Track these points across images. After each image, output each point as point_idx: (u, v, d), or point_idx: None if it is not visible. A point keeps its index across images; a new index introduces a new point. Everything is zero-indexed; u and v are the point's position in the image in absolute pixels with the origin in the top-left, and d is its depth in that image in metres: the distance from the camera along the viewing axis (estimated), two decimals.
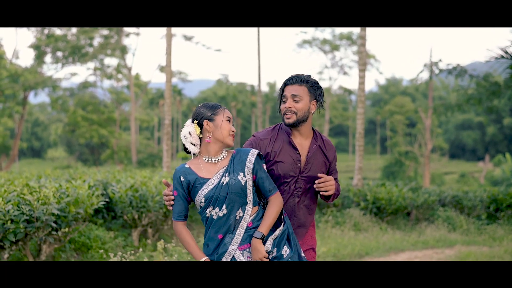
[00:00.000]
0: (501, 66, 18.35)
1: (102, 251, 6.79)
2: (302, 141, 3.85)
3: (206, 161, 3.54)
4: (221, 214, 3.45)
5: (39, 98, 69.52)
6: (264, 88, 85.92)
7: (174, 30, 48.63)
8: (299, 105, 3.76)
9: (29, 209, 6.20)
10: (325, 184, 3.70)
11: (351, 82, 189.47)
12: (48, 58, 43.15)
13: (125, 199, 8.80)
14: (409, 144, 62.06)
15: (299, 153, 3.80)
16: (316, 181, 3.72)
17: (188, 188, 3.50)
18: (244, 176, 3.47)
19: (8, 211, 6.02)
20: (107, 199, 8.89)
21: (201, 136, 3.56)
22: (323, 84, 66.50)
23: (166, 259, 7.21)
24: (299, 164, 3.80)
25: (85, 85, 49.07)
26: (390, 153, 65.57)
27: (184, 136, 3.57)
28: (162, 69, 47.84)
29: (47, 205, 6.36)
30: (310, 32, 60.21)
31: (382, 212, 11.97)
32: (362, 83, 13.29)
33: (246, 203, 3.47)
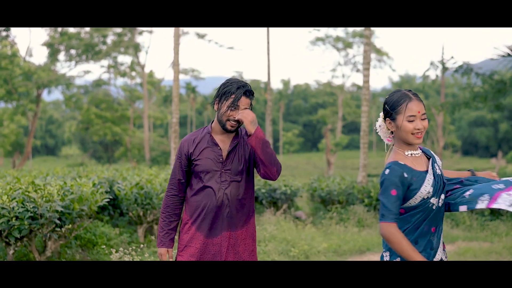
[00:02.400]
0: (509, 63, 18.40)
1: (104, 246, 6.97)
2: (225, 138, 4.08)
3: (410, 155, 3.33)
4: (440, 204, 3.31)
5: (53, 95, 70.20)
6: (278, 85, 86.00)
7: (187, 28, 48.87)
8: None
9: (33, 206, 6.39)
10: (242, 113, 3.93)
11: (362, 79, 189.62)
12: (61, 56, 43.52)
13: (130, 197, 8.99)
14: (423, 142, 61.96)
15: (220, 149, 4.04)
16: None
17: (409, 185, 3.24)
18: (439, 168, 3.38)
19: (13, 208, 6.22)
20: (111, 197, 9.08)
21: (390, 134, 3.42)
22: (337, 82, 66.59)
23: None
24: (221, 159, 4.02)
25: (98, 82, 49.45)
26: None
27: (376, 129, 3.53)
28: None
29: (51, 202, 6.54)
30: (323, 29, 60.17)
31: None
32: (366, 81, 13.41)
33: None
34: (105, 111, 49.03)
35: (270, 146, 4.01)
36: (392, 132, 3.36)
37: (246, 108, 3.97)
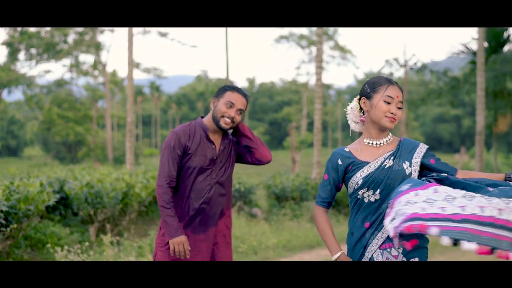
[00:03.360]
0: (462, 61, 18.91)
1: (49, 245, 6.98)
2: (216, 137, 4.18)
3: (367, 143, 3.27)
4: (373, 199, 3.17)
5: (14, 96, 69.17)
6: (244, 84, 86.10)
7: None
8: (239, 117, 4.14)
9: None
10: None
11: (328, 77, 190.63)
12: (21, 55, 42.97)
13: (80, 196, 8.99)
14: None
15: (215, 147, 4.13)
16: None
17: (344, 173, 3.24)
18: (410, 166, 3.17)
19: None
20: (61, 196, 9.08)
21: (361, 115, 3.33)
22: (301, 79, 66.98)
23: (115, 251, 7.43)
24: (214, 157, 4.11)
25: (59, 82, 48.92)
26: None
27: (346, 111, 3.41)
28: (137, 65, 47.87)
29: None
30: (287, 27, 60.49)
31: (339, 204, 12.28)
32: (319, 79, 13.60)
33: None
34: (67, 111, 48.54)
35: None
36: (363, 114, 3.29)
37: (241, 111, 4.10)
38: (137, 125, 71.07)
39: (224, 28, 21.60)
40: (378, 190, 3.14)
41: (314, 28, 59.74)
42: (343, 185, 3.34)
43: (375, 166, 3.16)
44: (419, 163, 3.19)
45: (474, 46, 20.99)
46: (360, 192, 3.18)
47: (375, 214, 3.16)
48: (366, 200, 3.18)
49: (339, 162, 3.22)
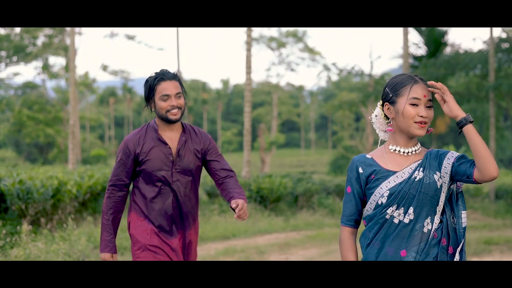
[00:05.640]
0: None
1: None
2: (172, 135, 3.98)
3: (393, 150, 2.84)
4: (406, 220, 2.70)
5: None
6: (218, 85, 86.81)
7: (117, 29, 49.24)
8: (181, 100, 3.92)
9: None
10: (244, 210, 3.78)
11: (298, 78, 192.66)
12: None
13: (13, 192, 9.83)
14: (351, 139, 63.67)
15: (169, 147, 3.93)
16: (236, 213, 3.78)
17: (366, 184, 2.81)
18: (441, 178, 2.75)
19: None
20: None
21: (388, 121, 2.89)
22: (272, 81, 67.92)
23: (31, 238, 8.27)
24: (171, 158, 3.92)
25: (28, 84, 49.40)
26: (338, 147, 67.20)
27: (371, 119, 2.99)
28: (105, 68, 48.56)
29: None
30: (257, 29, 61.48)
31: (265, 200, 13.21)
32: (248, 84, 14.51)
33: (435, 212, 2.74)
34: (37, 113, 49.04)
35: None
36: (389, 120, 2.87)
37: (179, 94, 3.89)
38: (110, 127, 71.61)
39: (176, 28, 22.44)
40: (412, 208, 2.70)
41: (284, 31, 60.86)
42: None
43: (402, 177, 2.74)
44: (449, 172, 2.75)
45: (414, 50, 22.19)
46: (389, 211, 2.72)
47: (410, 238, 2.70)
48: (396, 221, 2.72)
49: (360, 170, 2.80)
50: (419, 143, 2.86)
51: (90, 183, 11.99)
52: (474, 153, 2.68)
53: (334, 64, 19.54)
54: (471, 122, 2.72)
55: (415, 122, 2.71)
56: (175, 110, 3.87)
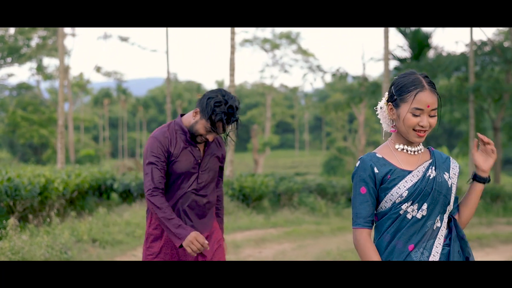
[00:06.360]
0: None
1: None
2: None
3: (401, 150, 2.82)
4: (419, 215, 2.71)
5: None
6: (213, 86, 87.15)
7: (110, 31, 49.71)
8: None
9: None
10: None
11: (291, 79, 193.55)
12: None
13: (1, 189, 10.27)
14: (344, 140, 64.10)
15: (199, 149, 3.89)
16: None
17: (380, 184, 2.76)
18: (450, 178, 2.80)
19: None
20: None
21: (391, 119, 2.85)
22: (266, 82, 68.42)
23: (17, 232, 8.70)
24: (199, 160, 3.89)
25: (22, 85, 49.78)
26: (331, 148, 67.63)
27: (376, 110, 2.95)
28: (98, 69, 48.97)
29: None
30: (251, 31, 61.94)
31: (247, 198, 13.67)
32: (232, 86, 14.95)
33: (445, 211, 2.78)
34: (32, 114, 49.41)
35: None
36: (393, 121, 2.83)
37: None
38: (104, 128, 71.97)
39: (166, 29, 22.85)
40: (425, 204, 2.71)
41: (277, 32, 61.33)
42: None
43: (418, 176, 2.74)
44: (457, 175, 2.84)
45: (399, 53, 22.70)
46: (404, 207, 2.72)
47: (419, 233, 2.72)
48: (409, 217, 2.72)
49: (376, 170, 2.75)
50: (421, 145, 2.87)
51: (77, 181, 12.45)
52: (468, 206, 2.85)
53: (318, 66, 19.93)
54: (487, 182, 2.84)
55: (414, 130, 2.71)
56: (203, 139, 3.85)
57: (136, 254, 8.73)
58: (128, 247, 9.14)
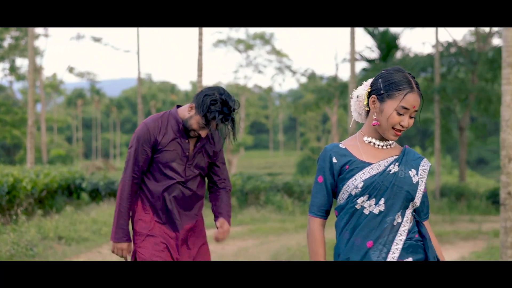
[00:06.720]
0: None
1: None
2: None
3: (368, 142, 2.80)
4: (376, 211, 2.68)
5: None
6: (187, 87, 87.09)
7: (83, 31, 49.56)
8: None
9: None
10: (225, 236, 3.94)
11: (266, 80, 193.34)
12: None
13: None
14: (318, 140, 64.58)
15: (188, 142, 3.87)
16: (216, 235, 3.89)
17: (339, 174, 2.74)
18: (417, 175, 2.75)
19: None
20: None
21: (367, 109, 2.81)
22: (240, 83, 68.63)
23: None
24: (187, 153, 3.86)
25: None
26: (305, 149, 68.01)
27: (351, 97, 2.93)
28: (71, 70, 48.80)
29: None
30: (225, 31, 62.08)
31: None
32: (200, 87, 15.10)
33: (407, 207, 2.74)
34: (4, 115, 49.09)
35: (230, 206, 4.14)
36: (367, 112, 2.82)
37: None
38: (78, 128, 71.67)
39: (137, 29, 22.97)
40: (383, 199, 2.68)
41: (251, 33, 61.57)
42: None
43: (377, 170, 2.71)
44: (426, 174, 2.79)
45: (367, 54, 23.07)
46: (359, 201, 2.69)
47: (378, 229, 2.68)
48: (366, 212, 2.69)
49: (334, 160, 2.73)
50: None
51: (46, 180, 12.58)
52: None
53: (288, 67, 20.17)
54: None
55: (393, 128, 2.69)
56: (196, 134, 3.84)
57: (102, 251, 8.90)
58: (94, 244, 9.32)
